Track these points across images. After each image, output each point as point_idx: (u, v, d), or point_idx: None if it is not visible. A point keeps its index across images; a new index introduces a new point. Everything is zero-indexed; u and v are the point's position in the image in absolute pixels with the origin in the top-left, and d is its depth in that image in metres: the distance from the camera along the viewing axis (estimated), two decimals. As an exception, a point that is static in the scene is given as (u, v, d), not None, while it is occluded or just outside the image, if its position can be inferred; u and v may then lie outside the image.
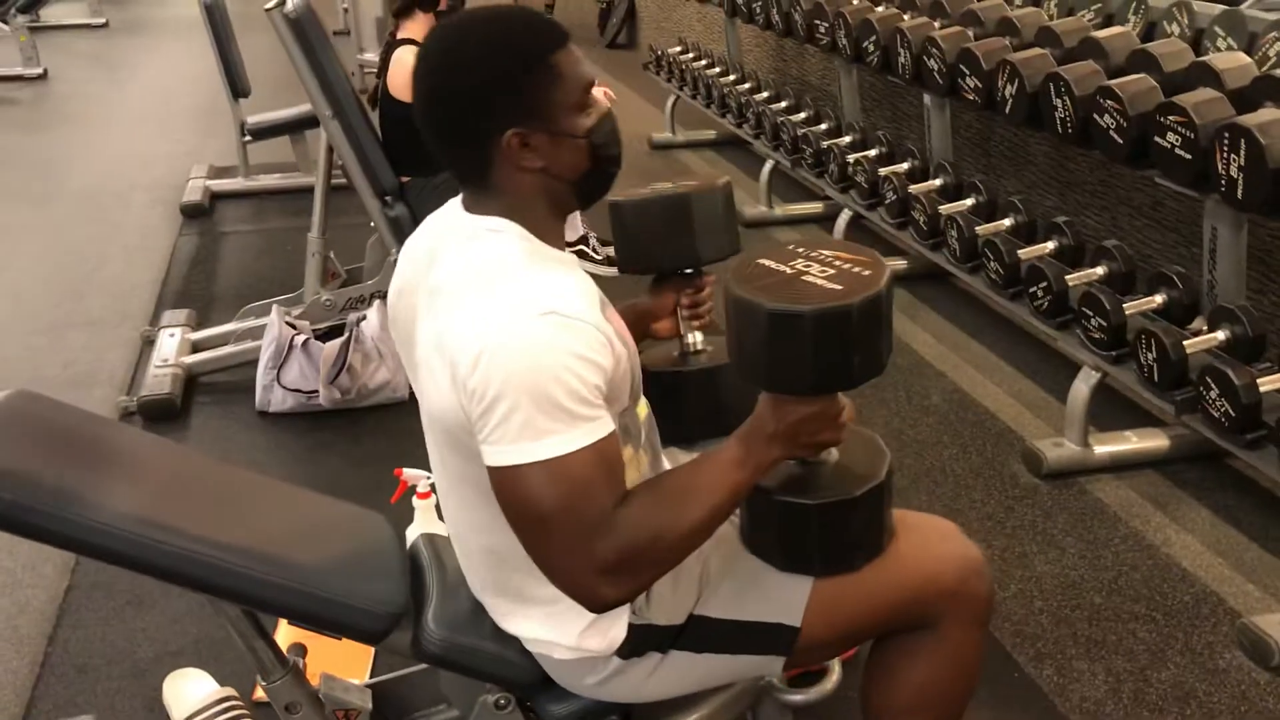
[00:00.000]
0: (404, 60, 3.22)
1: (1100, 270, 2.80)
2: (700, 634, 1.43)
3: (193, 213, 4.88)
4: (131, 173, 5.64)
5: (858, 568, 1.42)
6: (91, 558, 1.42)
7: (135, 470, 1.50)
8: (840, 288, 1.25)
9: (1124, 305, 2.66)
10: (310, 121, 4.10)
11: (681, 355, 1.76)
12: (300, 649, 1.75)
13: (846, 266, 1.30)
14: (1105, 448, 2.81)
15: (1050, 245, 2.97)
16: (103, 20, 10.32)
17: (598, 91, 1.38)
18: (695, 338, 1.75)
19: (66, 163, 5.90)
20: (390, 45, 3.37)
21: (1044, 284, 2.89)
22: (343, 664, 2.04)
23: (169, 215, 4.92)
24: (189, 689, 2.04)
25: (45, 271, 4.32)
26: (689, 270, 1.74)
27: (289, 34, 3.06)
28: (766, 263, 1.33)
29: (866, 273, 1.28)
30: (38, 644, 2.25)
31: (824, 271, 1.29)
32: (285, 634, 2.03)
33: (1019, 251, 3.01)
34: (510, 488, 1.21)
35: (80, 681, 2.15)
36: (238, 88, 4.88)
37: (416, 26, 3.30)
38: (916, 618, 1.45)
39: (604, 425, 1.21)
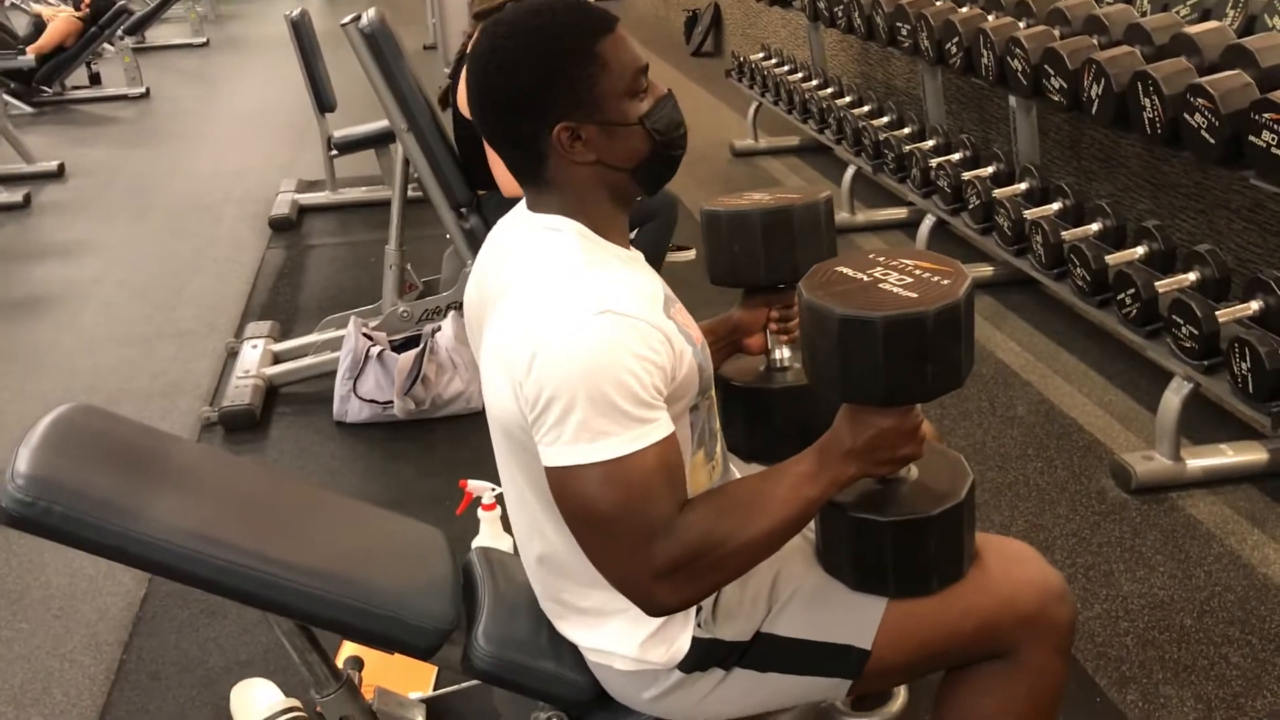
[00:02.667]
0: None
1: (1192, 276, 2.68)
2: (766, 652, 1.39)
3: (281, 226, 4.98)
4: (224, 187, 5.78)
5: (933, 591, 1.36)
6: (143, 570, 1.43)
7: (189, 483, 1.51)
8: (916, 295, 1.21)
9: (1217, 312, 2.53)
10: (394, 135, 4.15)
11: (767, 371, 1.72)
12: (357, 662, 1.75)
13: (926, 275, 1.26)
14: (1198, 461, 2.68)
15: (1140, 250, 2.85)
16: (204, 40, 10.64)
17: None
18: (783, 353, 1.70)
19: (163, 178, 6.08)
20: (461, 59, 3.36)
21: (1132, 290, 2.78)
22: (405, 678, 2.05)
23: (258, 228, 5.02)
24: (255, 698, 2.06)
25: (139, 284, 4.44)
26: (782, 284, 1.69)
27: (364, 49, 3.10)
28: (843, 270, 1.30)
29: (945, 282, 1.24)
30: (114, 651, 2.30)
31: (902, 280, 1.26)
32: (347, 648, 2.04)
33: (1106, 257, 2.90)
34: (567, 489, 1.19)
35: (153, 689, 2.18)
36: (324, 102, 4.97)
37: None
38: (993, 645, 1.39)
39: (662, 428, 1.19)
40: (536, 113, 1.25)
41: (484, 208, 3.26)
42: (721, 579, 1.26)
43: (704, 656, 1.37)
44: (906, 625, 1.37)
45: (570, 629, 1.41)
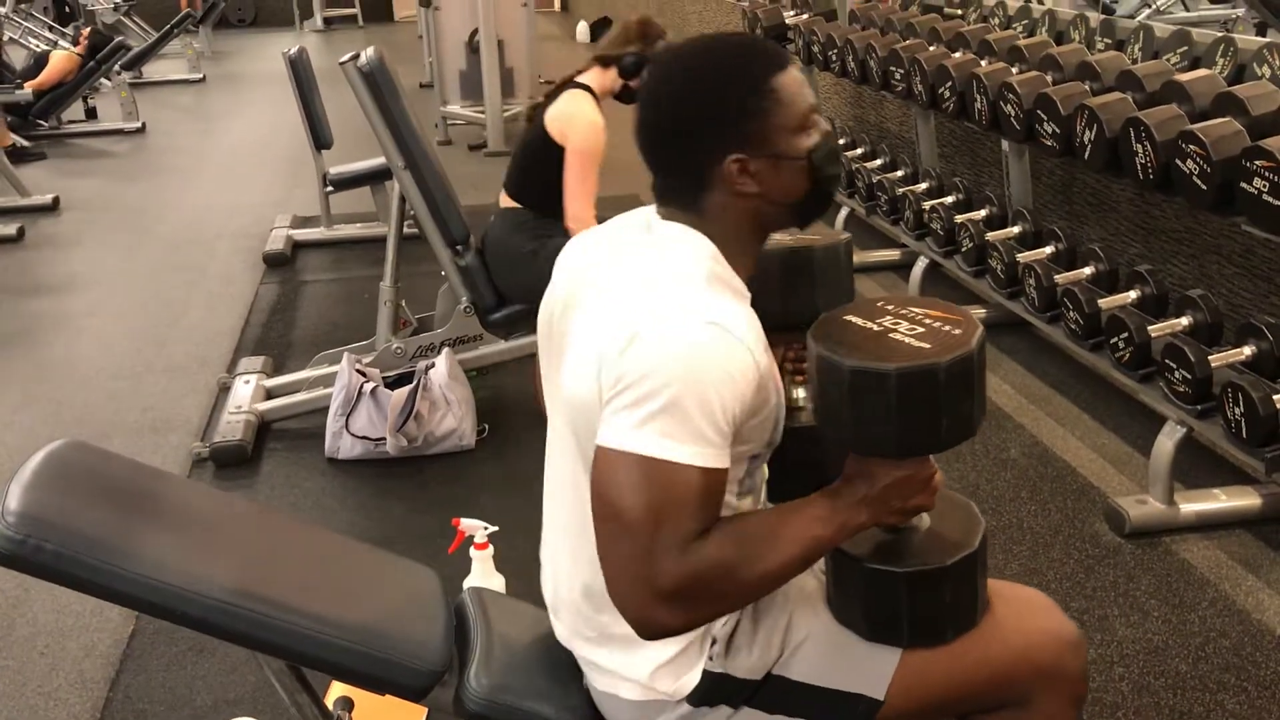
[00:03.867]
0: (574, 102, 3.11)
1: (1185, 320, 2.69)
2: (776, 694, 1.37)
3: (275, 261, 4.98)
4: (218, 222, 5.78)
5: (948, 641, 1.35)
6: (133, 609, 1.42)
7: (180, 521, 1.50)
8: (928, 346, 1.20)
9: (1210, 357, 2.54)
10: (390, 173, 4.16)
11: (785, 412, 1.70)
12: (347, 703, 1.73)
13: (936, 324, 1.26)
14: (1192, 506, 2.68)
15: (1132, 294, 2.87)
16: (200, 75, 10.68)
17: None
18: (798, 394, 1.66)
19: (158, 212, 6.08)
20: (566, 82, 3.20)
21: (1125, 334, 2.79)
22: (400, 716, 2.02)
23: (252, 263, 5.03)
24: (243, 739, 2.04)
25: (131, 318, 4.44)
26: (800, 325, 1.67)
27: (362, 87, 3.11)
28: (853, 319, 1.30)
29: (957, 331, 1.23)
30: (101, 688, 2.27)
31: (913, 329, 1.25)
32: (336, 688, 2.02)
33: (1099, 301, 2.91)
34: (606, 472, 1.19)
35: (139, 728, 2.16)
36: (320, 139, 4.98)
37: (599, 78, 3.18)
38: (1006, 695, 1.38)
39: (721, 457, 1.19)
40: (708, 143, 1.27)
41: (526, 225, 3.17)
42: (721, 609, 1.26)
43: (713, 691, 1.35)
44: (920, 675, 1.36)
45: (592, 650, 1.39)
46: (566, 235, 2.89)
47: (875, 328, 1.27)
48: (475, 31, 7.09)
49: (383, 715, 1.97)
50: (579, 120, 3.05)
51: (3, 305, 4.65)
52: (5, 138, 7.20)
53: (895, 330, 1.25)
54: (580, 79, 3.17)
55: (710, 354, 1.17)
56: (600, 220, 1.51)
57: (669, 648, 1.33)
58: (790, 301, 1.64)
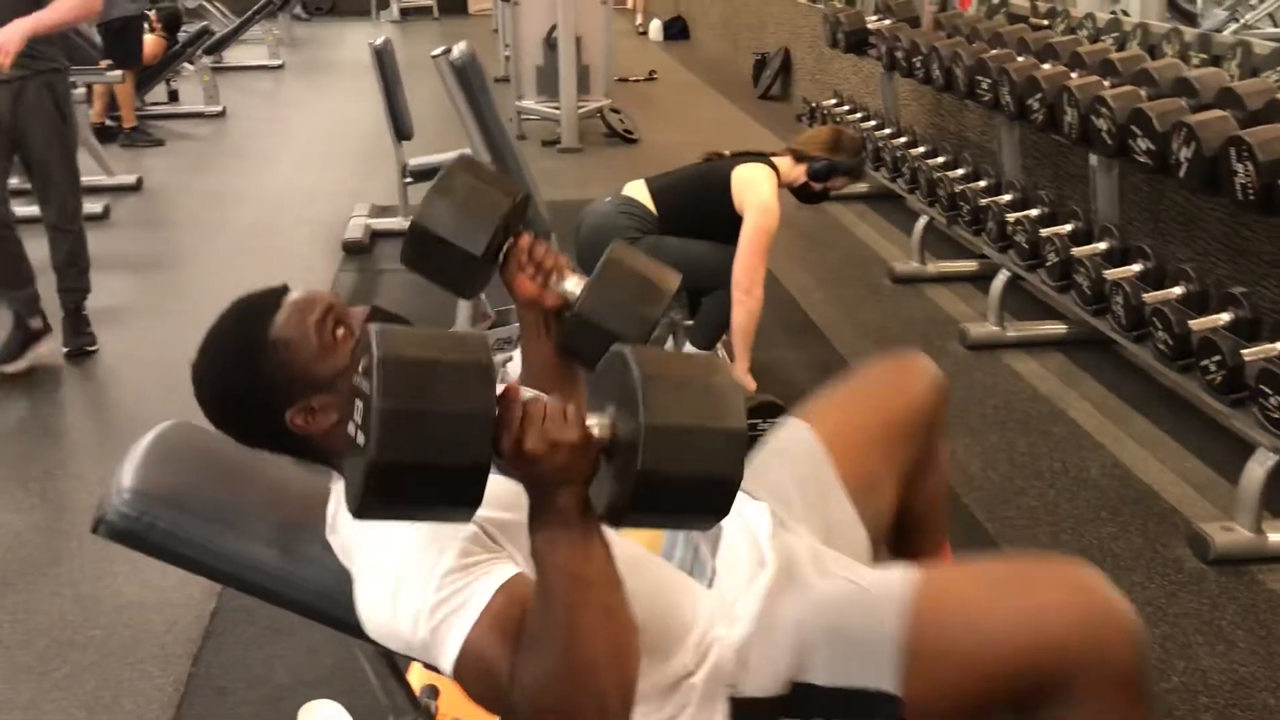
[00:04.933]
0: (763, 177, 3.19)
1: (1281, 345, 2.63)
2: (807, 702, 1.33)
3: (354, 249, 5.04)
4: (297, 208, 5.87)
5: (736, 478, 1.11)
6: (239, 590, 1.45)
7: (286, 505, 1.52)
8: None
9: (1307, 384, 2.49)
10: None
11: (569, 307, 1.53)
12: (433, 691, 1.75)
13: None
14: (1281, 535, 2.63)
15: (1225, 316, 2.80)
16: (279, 62, 10.84)
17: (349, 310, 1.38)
18: (567, 285, 1.52)
19: (237, 195, 6.19)
20: (761, 154, 3.32)
21: (1217, 357, 2.73)
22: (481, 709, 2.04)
23: (330, 250, 5.09)
24: (323, 720, 2.06)
25: (215, 300, 4.49)
26: (499, 249, 1.51)
27: (454, 80, 3.15)
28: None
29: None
30: (183, 663, 2.31)
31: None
32: (419, 675, 2.04)
33: (1190, 322, 2.86)
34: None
35: (220, 704, 2.20)
36: (401, 130, 5.03)
37: (789, 168, 3.32)
38: (1043, 685, 1.23)
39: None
40: (265, 420, 1.33)
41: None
42: (606, 683, 1.11)
43: (747, 718, 1.33)
44: (932, 663, 1.28)
45: None
46: (666, 251, 2.95)
47: None
48: (554, 28, 7.12)
49: (468, 702, 1.99)
50: (762, 197, 3.15)
51: (94, 282, 4.74)
52: (130, 117, 7.42)
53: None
54: (774, 159, 3.30)
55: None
56: None
57: (670, 705, 1.30)
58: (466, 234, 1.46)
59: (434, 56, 3.18)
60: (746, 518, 1.50)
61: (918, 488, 1.68)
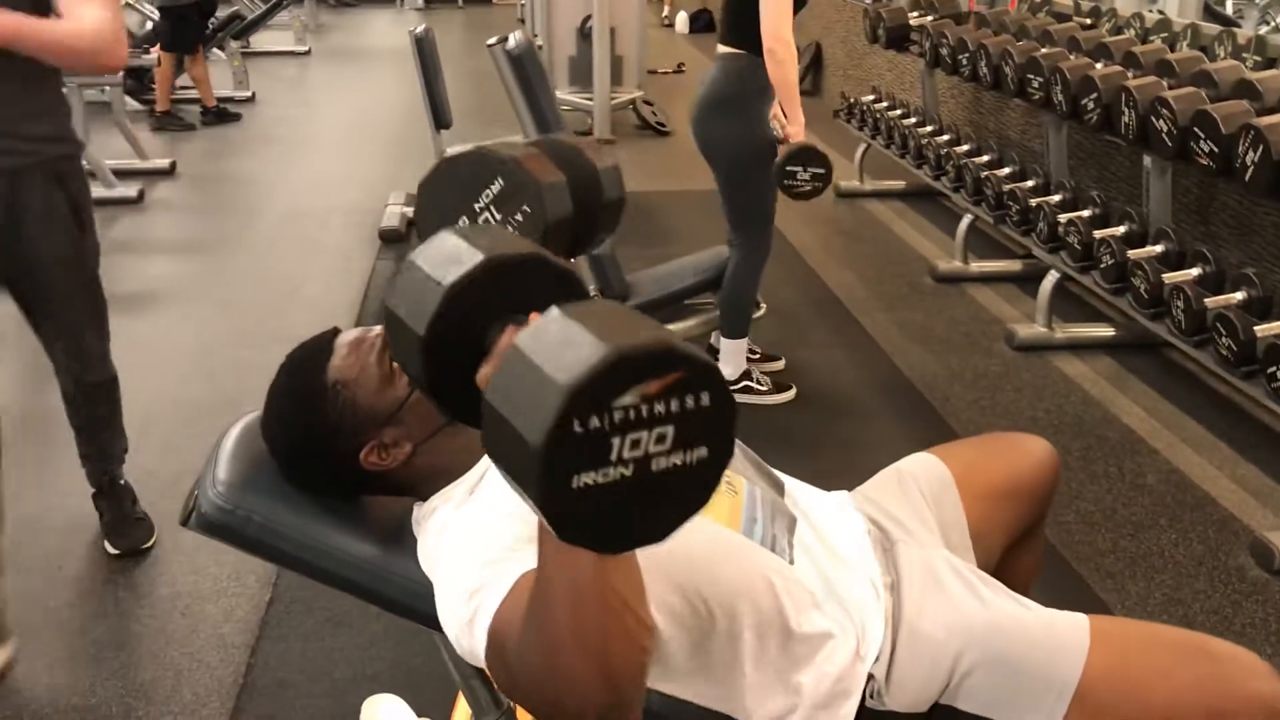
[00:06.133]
0: None
1: (1351, 354, 2.60)
2: None
3: (390, 238, 5.02)
4: (330, 195, 5.85)
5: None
6: (329, 585, 1.42)
7: (378, 500, 1.50)
8: None
9: (1380, 394, 2.45)
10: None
11: None
12: (512, 691, 1.73)
13: None
14: (1346, 546, 2.59)
15: (1291, 323, 2.77)
16: (306, 48, 10.82)
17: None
18: None
19: (270, 181, 6.17)
20: None
21: (1284, 364, 2.70)
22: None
23: (366, 239, 5.07)
24: (388, 716, 2.05)
25: (251, 286, 4.50)
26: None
27: (509, 69, 3.12)
28: None
29: None
30: (241, 654, 2.30)
31: None
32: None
33: (1255, 328, 2.82)
34: None
35: (281, 696, 2.18)
36: (441, 119, 5.00)
37: None
38: None
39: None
40: (334, 464, 1.34)
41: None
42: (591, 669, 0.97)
43: None
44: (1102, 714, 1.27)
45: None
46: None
47: None
48: (588, 18, 7.09)
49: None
50: None
51: (127, 266, 4.74)
52: (210, 98, 7.50)
53: None
54: None
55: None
56: None
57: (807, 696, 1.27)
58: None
59: (490, 45, 3.15)
60: (832, 518, 1.49)
61: (1015, 558, 1.68)
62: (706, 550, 1.27)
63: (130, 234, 5.22)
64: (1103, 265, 3.52)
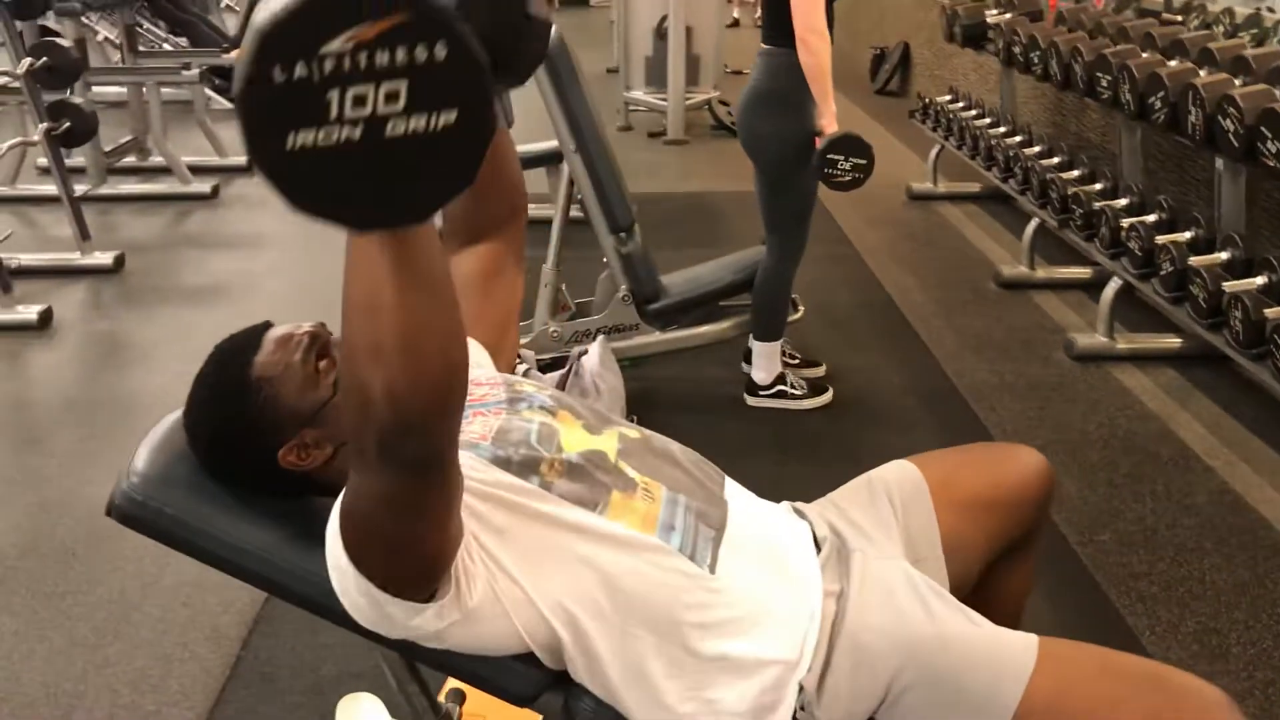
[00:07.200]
0: None
1: None
2: None
3: (445, 235, 5.04)
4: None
5: None
6: (249, 583, 1.40)
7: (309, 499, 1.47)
8: None
9: None
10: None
11: None
12: (458, 695, 1.69)
13: None
14: (1407, 579, 2.40)
15: (1355, 337, 2.58)
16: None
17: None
18: None
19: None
20: None
21: (1344, 381, 2.51)
22: (509, 714, 1.97)
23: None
24: (360, 715, 2.02)
25: (311, 282, 4.55)
26: None
27: (541, 69, 3.07)
28: None
29: None
30: (233, 646, 2.30)
31: None
32: (447, 681, 1.98)
33: (1315, 342, 2.63)
34: None
35: (264, 689, 2.17)
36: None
37: None
38: None
39: None
40: (256, 459, 1.29)
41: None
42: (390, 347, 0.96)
43: None
44: None
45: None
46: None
47: None
48: (664, 18, 7.03)
49: (496, 709, 1.92)
50: None
51: (196, 259, 4.85)
52: None
53: None
54: None
55: None
56: None
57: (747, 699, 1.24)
58: None
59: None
60: (773, 527, 1.42)
61: (1000, 577, 1.59)
62: (604, 554, 1.25)
63: (202, 228, 5.34)
64: (1163, 272, 3.33)
